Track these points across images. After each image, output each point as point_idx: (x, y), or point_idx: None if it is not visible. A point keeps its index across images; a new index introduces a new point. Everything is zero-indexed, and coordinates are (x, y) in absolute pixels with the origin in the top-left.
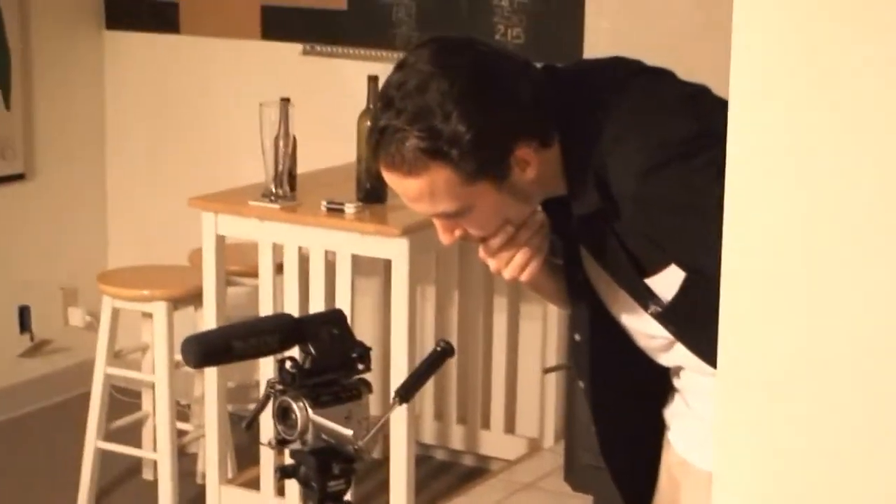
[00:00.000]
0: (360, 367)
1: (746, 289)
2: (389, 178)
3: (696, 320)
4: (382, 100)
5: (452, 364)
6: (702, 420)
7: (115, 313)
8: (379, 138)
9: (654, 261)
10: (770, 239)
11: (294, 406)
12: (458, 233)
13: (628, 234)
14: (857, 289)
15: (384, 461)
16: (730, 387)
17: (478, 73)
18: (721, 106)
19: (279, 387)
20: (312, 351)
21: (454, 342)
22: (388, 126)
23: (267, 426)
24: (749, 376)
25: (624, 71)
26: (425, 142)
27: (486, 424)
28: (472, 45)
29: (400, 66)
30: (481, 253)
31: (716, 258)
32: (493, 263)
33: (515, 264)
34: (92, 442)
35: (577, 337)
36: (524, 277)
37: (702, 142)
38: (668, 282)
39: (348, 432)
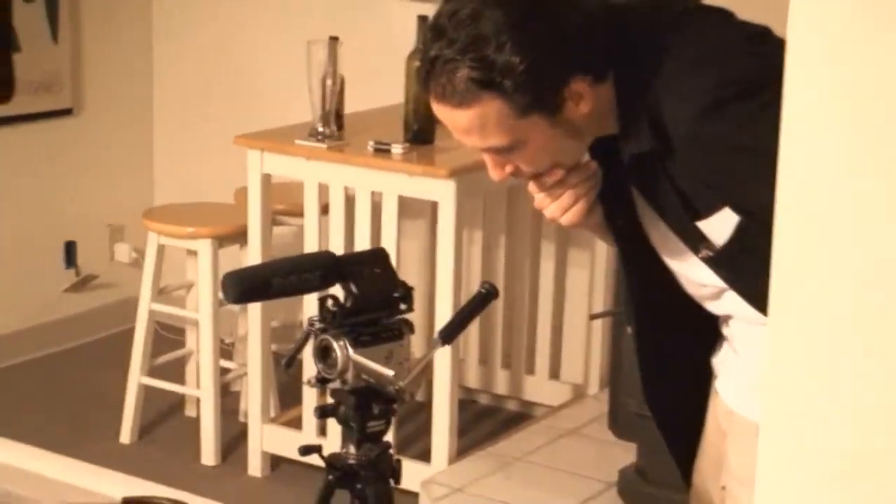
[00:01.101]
0: (403, 307)
1: (800, 235)
2: (439, 109)
3: (748, 266)
4: (433, 29)
5: (498, 309)
6: (750, 370)
7: (161, 250)
8: (430, 68)
9: (707, 203)
10: (826, 185)
11: (334, 345)
12: (508, 168)
13: (681, 175)
14: None
15: (427, 404)
16: (779, 337)
17: (533, 4)
18: (782, 46)
19: (319, 325)
20: (354, 289)
21: (500, 286)
22: (440, 56)
23: (310, 365)
24: (800, 326)
25: (681, 8)
26: (477, 72)
27: (530, 370)
28: None
29: None
30: (530, 187)
31: (769, 201)
32: (538, 200)
33: (559, 205)
34: (135, 378)
35: (626, 281)
36: (565, 221)
37: (762, 82)
38: (720, 225)
39: (388, 372)
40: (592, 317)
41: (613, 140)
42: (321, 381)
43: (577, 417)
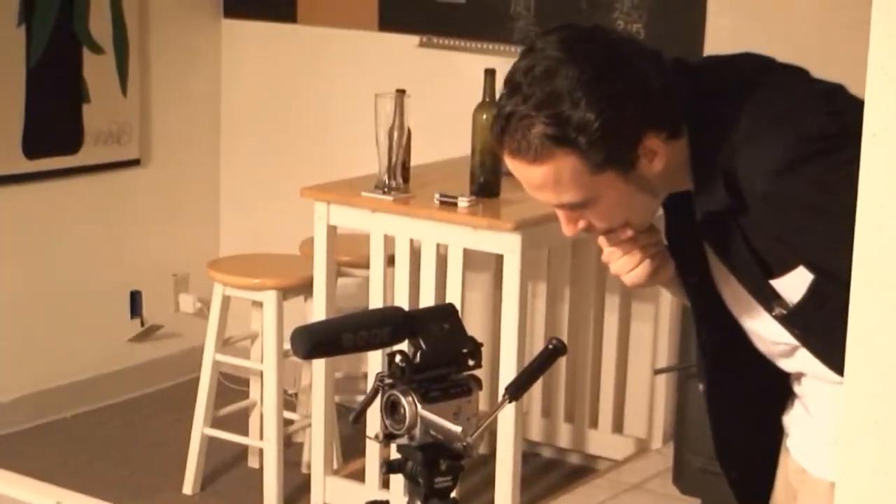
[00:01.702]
0: (471, 362)
1: (877, 295)
2: (513, 165)
3: (821, 325)
4: (509, 85)
5: (561, 361)
6: (822, 428)
7: (226, 301)
8: (504, 124)
9: (781, 262)
10: None
11: (403, 400)
12: (581, 224)
13: (756, 233)
14: None
15: (490, 457)
16: (855, 395)
17: (608, 60)
18: (857, 104)
19: (388, 380)
20: (423, 345)
21: (564, 339)
22: (515, 112)
23: (374, 419)
24: (876, 386)
25: (756, 65)
26: (552, 128)
27: (593, 423)
28: (602, 32)
29: (527, 52)
30: (600, 240)
31: (846, 261)
32: (606, 254)
33: (626, 263)
34: (199, 428)
35: (698, 337)
36: (629, 280)
37: (838, 140)
38: (794, 284)
39: (457, 429)
40: (657, 371)
41: (688, 195)
42: (388, 437)
43: (641, 472)
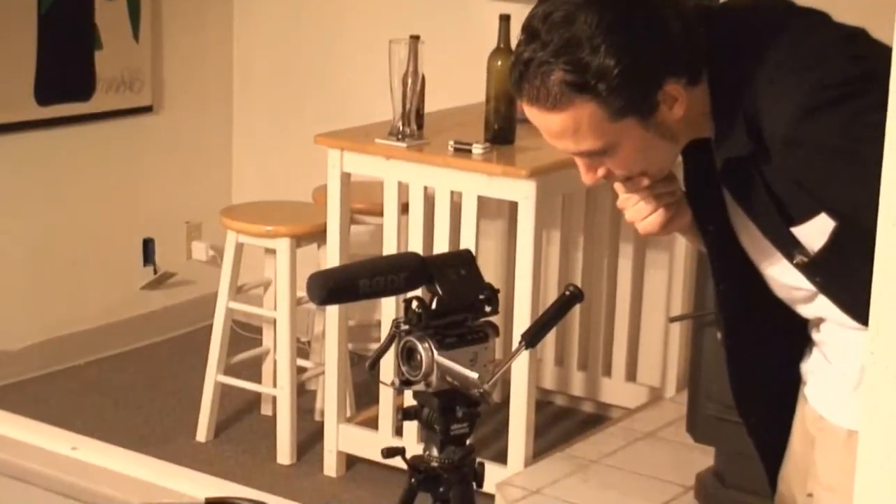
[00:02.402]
0: (488, 309)
1: None
2: (532, 113)
3: (843, 272)
4: (526, 31)
5: (575, 309)
6: (842, 375)
7: (239, 248)
8: (523, 71)
9: (802, 208)
10: None
11: (419, 347)
12: (601, 172)
13: (777, 180)
14: None
15: (504, 405)
16: (879, 343)
17: (627, 5)
18: (881, 48)
19: (404, 327)
20: (439, 291)
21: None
22: (533, 59)
23: (388, 366)
24: None
25: (777, 11)
26: (572, 75)
27: (607, 372)
28: None
29: None
30: (616, 185)
31: (871, 208)
32: (622, 200)
33: (640, 210)
34: (212, 375)
35: (716, 285)
36: (642, 228)
37: (862, 85)
38: (816, 231)
39: (474, 375)
40: (672, 319)
41: (707, 143)
42: (405, 383)
43: (655, 420)
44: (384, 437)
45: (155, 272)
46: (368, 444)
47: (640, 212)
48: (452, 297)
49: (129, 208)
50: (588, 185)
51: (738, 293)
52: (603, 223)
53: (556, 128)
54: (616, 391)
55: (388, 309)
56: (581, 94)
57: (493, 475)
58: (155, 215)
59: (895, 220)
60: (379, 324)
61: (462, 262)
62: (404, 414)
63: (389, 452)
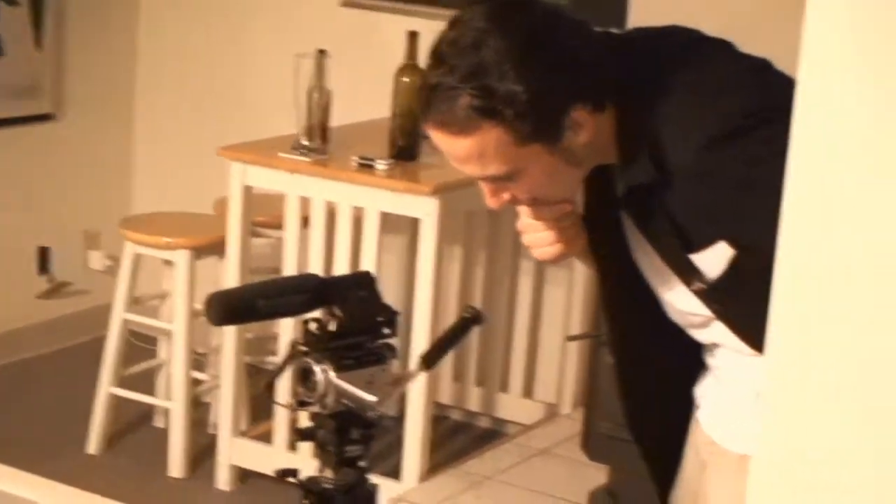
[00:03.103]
0: (386, 331)
1: (804, 272)
2: (438, 137)
3: (740, 300)
4: (434, 56)
5: None
6: (735, 401)
7: (136, 259)
8: (430, 95)
9: (702, 236)
10: (832, 224)
11: (316, 368)
12: (506, 196)
13: (678, 208)
14: None
15: (399, 419)
16: (779, 372)
17: (536, 32)
18: (783, 81)
19: (302, 348)
20: (338, 313)
21: (478, 303)
22: (440, 83)
23: (284, 383)
24: (800, 362)
25: (683, 39)
26: (479, 100)
27: (504, 387)
28: (531, 3)
29: (454, 23)
30: (521, 207)
31: (771, 238)
32: (521, 223)
33: (538, 238)
34: (105, 387)
35: (606, 310)
36: (538, 255)
37: (764, 116)
38: (715, 259)
39: (370, 398)
40: (570, 338)
41: (608, 168)
42: (301, 405)
43: (550, 437)
44: (278, 451)
45: (50, 281)
46: (262, 459)
47: (539, 240)
48: (351, 320)
49: (26, 216)
50: (493, 208)
51: (629, 317)
52: (504, 241)
53: (462, 152)
54: (512, 407)
55: (286, 323)
56: (488, 119)
57: (387, 490)
58: (52, 224)
59: (795, 249)
60: (276, 337)
61: (362, 283)
62: (300, 435)
63: (283, 474)
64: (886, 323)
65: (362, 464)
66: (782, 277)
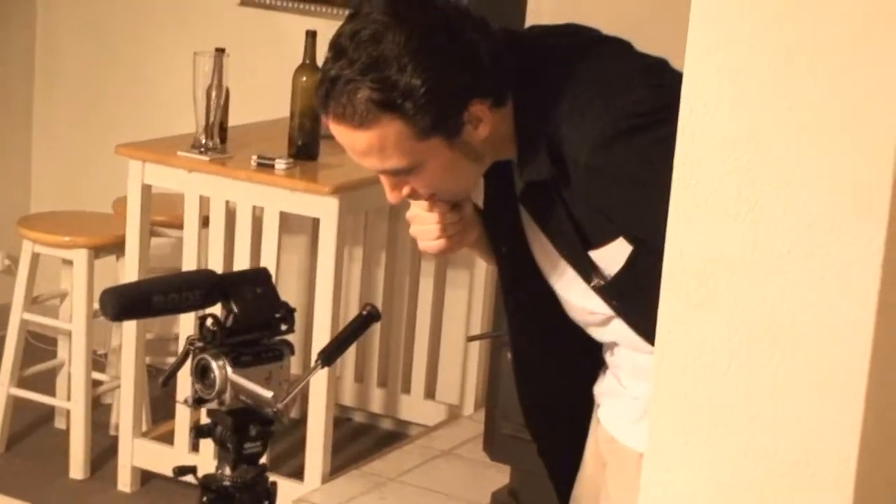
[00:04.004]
0: (284, 327)
1: (690, 267)
2: (337, 130)
3: (638, 296)
4: (334, 49)
5: (376, 327)
6: (633, 398)
7: (35, 258)
8: (329, 88)
9: (601, 233)
10: (718, 219)
11: (213, 364)
12: (405, 191)
13: (577, 204)
14: (801, 277)
15: (302, 421)
16: (666, 369)
17: (435, 26)
18: (681, 79)
19: (199, 344)
20: (235, 309)
21: (379, 304)
22: (340, 76)
23: (184, 382)
24: (686, 359)
25: (582, 38)
26: (378, 93)
27: (406, 389)
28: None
29: (353, 16)
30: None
31: (662, 234)
32: (409, 213)
33: (424, 233)
34: (5, 388)
35: (506, 306)
36: (422, 248)
37: (660, 115)
38: (613, 255)
39: (268, 394)
40: (470, 339)
41: (507, 164)
42: (198, 402)
43: (452, 438)
44: (180, 452)
45: None
46: (164, 460)
47: (425, 233)
48: (248, 315)
49: None
50: (393, 203)
51: (527, 314)
52: (405, 241)
53: (362, 146)
54: (415, 408)
55: (186, 323)
56: (387, 112)
57: (290, 492)
58: None
59: (682, 247)
60: (177, 338)
61: (259, 280)
62: (198, 432)
63: (181, 471)
64: (769, 315)
65: (261, 461)
66: (669, 274)
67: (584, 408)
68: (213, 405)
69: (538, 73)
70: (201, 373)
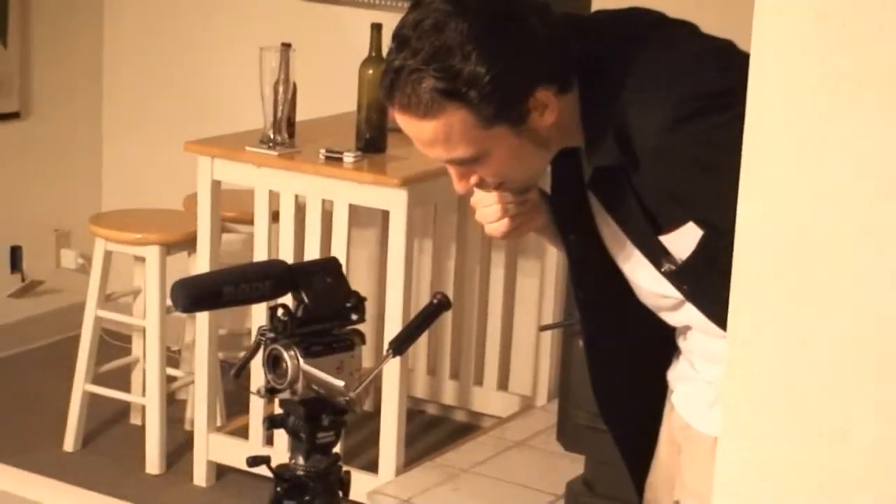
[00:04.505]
0: (354, 317)
1: (760, 249)
2: (403, 121)
3: (709, 281)
4: (397, 39)
5: (447, 319)
6: (707, 383)
7: (108, 256)
8: (393, 79)
9: (671, 217)
10: (786, 201)
11: (285, 355)
12: (473, 180)
13: (646, 189)
14: (871, 257)
15: (375, 414)
16: (738, 350)
17: (497, 13)
18: (747, 61)
19: (270, 335)
20: (305, 299)
21: (450, 295)
22: (404, 66)
23: (257, 374)
24: (759, 340)
25: (647, 21)
26: (443, 82)
27: (478, 380)
28: None
29: (415, 6)
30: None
31: (733, 217)
32: (475, 201)
33: (486, 215)
34: (80, 385)
35: (576, 294)
36: (487, 231)
37: (729, 97)
38: (684, 240)
39: (339, 383)
40: (542, 328)
41: (575, 151)
42: (270, 392)
43: (526, 429)
44: (254, 446)
45: (22, 280)
46: (238, 454)
47: (487, 216)
48: (318, 305)
49: None
50: (460, 193)
51: (598, 301)
52: (474, 232)
53: (427, 135)
54: (487, 400)
55: (259, 317)
56: (452, 101)
57: (364, 484)
58: (23, 223)
59: (751, 230)
60: (250, 332)
61: (328, 270)
62: (270, 422)
63: (254, 461)
64: (840, 293)
65: (334, 451)
66: (740, 256)
67: (658, 394)
68: (286, 395)
69: (603, 57)
70: (273, 363)
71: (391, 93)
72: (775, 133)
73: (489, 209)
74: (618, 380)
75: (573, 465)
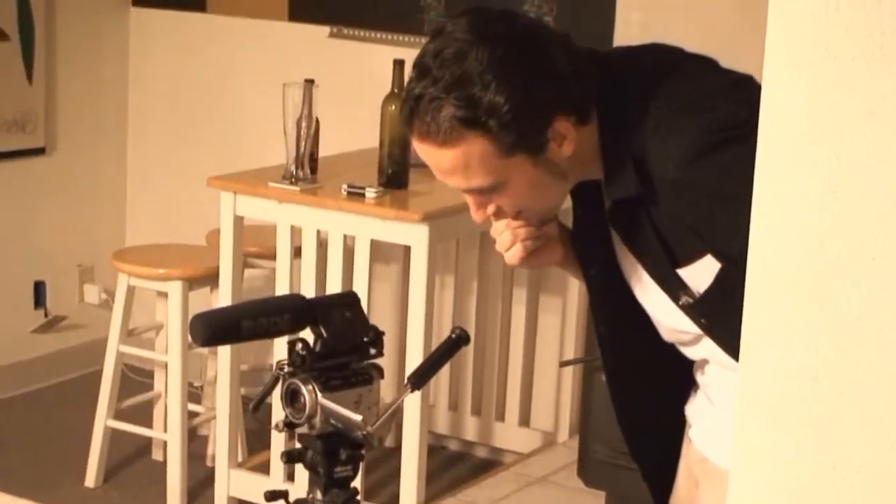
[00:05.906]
0: (373, 351)
1: (772, 283)
2: (422, 149)
3: (727, 314)
4: (418, 68)
5: (468, 355)
6: (724, 417)
7: (131, 291)
8: (413, 107)
9: (689, 250)
10: (798, 234)
11: (303, 389)
12: (491, 209)
13: (664, 222)
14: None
15: (396, 449)
16: (751, 384)
17: (518, 43)
18: None
19: (288, 369)
20: (324, 333)
21: (472, 331)
22: (424, 94)
23: (278, 410)
24: (770, 374)
25: (666, 56)
26: (462, 111)
27: (500, 416)
28: (513, 16)
29: (437, 35)
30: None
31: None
32: (493, 231)
33: (503, 242)
34: (102, 420)
35: (597, 327)
36: (506, 259)
37: (747, 129)
38: (701, 273)
39: (357, 417)
40: (563, 364)
41: (596, 184)
42: (289, 426)
43: (547, 465)
44: (276, 481)
45: (46, 315)
46: (259, 489)
47: (502, 243)
48: (337, 339)
49: (21, 251)
50: (478, 221)
51: (620, 336)
52: (496, 268)
53: (446, 164)
54: (509, 436)
55: (280, 353)
56: (472, 129)
57: None
58: (47, 258)
59: (763, 263)
60: (271, 368)
61: (347, 303)
62: (287, 457)
63: (273, 496)
64: (855, 324)
65: (352, 485)
66: (752, 289)
67: (679, 428)
68: (304, 430)
69: (622, 90)
70: (291, 397)
71: (411, 120)
72: (788, 162)
73: (503, 236)
74: (642, 414)
75: (594, 501)
